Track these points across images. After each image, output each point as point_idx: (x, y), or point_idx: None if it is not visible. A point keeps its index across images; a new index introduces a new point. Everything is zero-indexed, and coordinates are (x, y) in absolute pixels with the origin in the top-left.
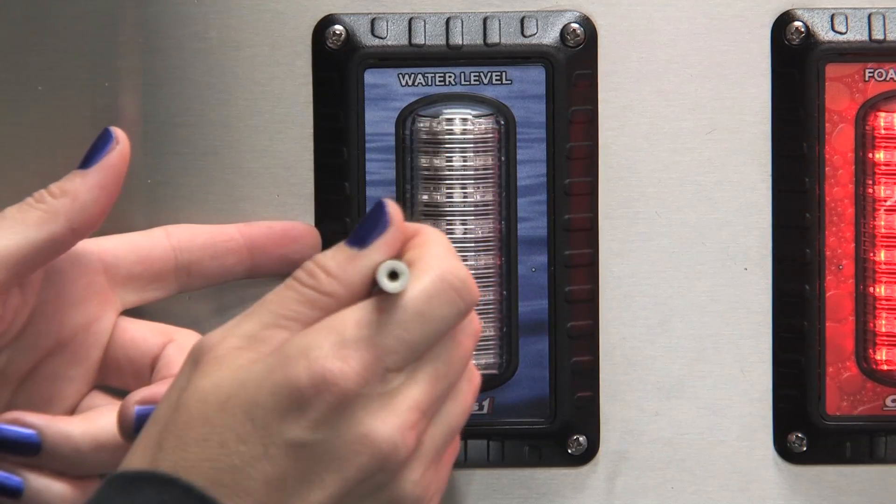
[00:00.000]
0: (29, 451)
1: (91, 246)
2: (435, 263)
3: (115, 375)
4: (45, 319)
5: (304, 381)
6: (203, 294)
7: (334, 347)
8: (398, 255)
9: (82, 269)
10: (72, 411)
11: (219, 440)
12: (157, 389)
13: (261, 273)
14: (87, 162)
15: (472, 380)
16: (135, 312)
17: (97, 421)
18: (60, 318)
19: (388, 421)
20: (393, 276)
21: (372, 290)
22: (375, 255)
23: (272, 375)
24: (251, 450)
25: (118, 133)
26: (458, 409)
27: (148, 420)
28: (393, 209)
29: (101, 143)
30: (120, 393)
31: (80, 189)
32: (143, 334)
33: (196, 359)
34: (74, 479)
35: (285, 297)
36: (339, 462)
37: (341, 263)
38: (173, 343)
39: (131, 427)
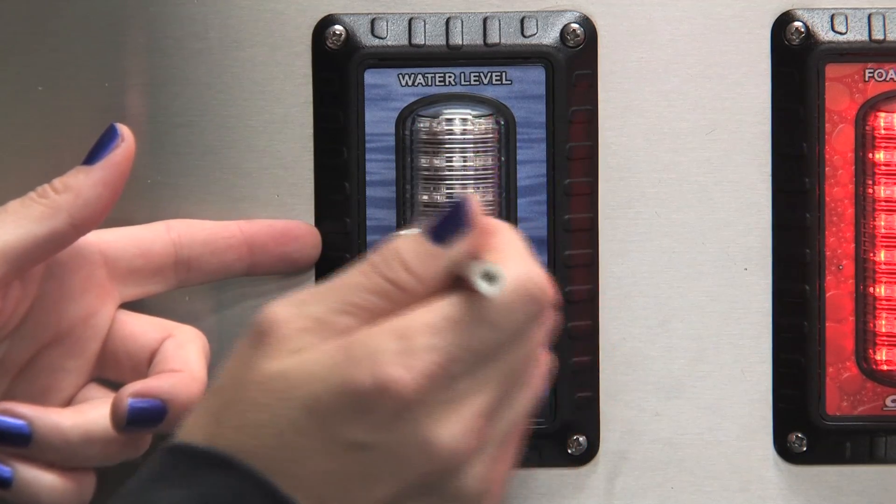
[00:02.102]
0: (19, 441)
1: (91, 238)
2: (514, 271)
3: (113, 368)
4: (44, 311)
5: (367, 386)
6: (202, 290)
7: (400, 354)
8: (476, 256)
9: (82, 261)
10: (68, 403)
11: (277, 428)
12: (153, 383)
13: (260, 271)
14: (91, 158)
15: (539, 366)
16: (134, 307)
17: (88, 413)
18: (60, 309)
19: (451, 427)
20: (487, 277)
21: (447, 287)
22: (456, 254)
23: (335, 373)
24: (309, 443)
25: (123, 130)
26: (523, 399)
27: (210, 388)
28: (474, 207)
29: (107, 140)
30: (117, 386)
31: (83, 185)
32: (142, 328)
33: (261, 332)
34: (65, 471)
35: (358, 285)
36: (398, 465)
37: (422, 259)
38: (172, 338)
39: (124, 420)
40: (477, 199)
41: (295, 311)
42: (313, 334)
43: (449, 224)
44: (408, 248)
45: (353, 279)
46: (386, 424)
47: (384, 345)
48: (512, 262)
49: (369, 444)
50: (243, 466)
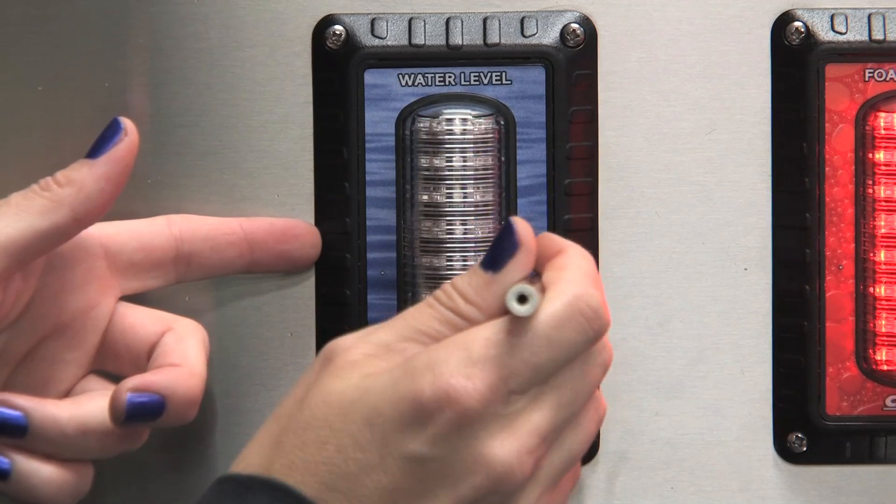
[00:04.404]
0: (16, 432)
1: (93, 231)
2: (569, 288)
3: (113, 361)
4: (45, 303)
5: (427, 396)
6: (201, 287)
7: (461, 364)
8: (537, 273)
9: (83, 253)
10: (67, 394)
11: (337, 445)
12: (152, 377)
13: (259, 268)
14: (94, 152)
15: (598, 409)
16: (134, 301)
17: (85, 406)
18: (60, 301)
19: (507, 443)
20: (522, 299)
21: (506, 311)
22: (509, 278)
23: (397, 386)
24: (368, 458)
25: (127, 124)
26: (579, 437)
27: (271, 415)
28: (521, 229)
29: (110, 134)
30: (116, 378)
31: (86, 179)
32: (142, 321)
33: (327, 358)
34: (63, 463)
35: (424, 314)
36: (454, 479)
37: (477, 289)
38: (171, 331)
39: (122, 413)
40: (523, 221)
41: (361, 339)
42: (380, 359)
43: (498, 250)
44: (464, 279)
45: (419, 310)
46: (444, 437)
47: (444, 357)
48: (568, 279)
49: (427, 458)
50: (294, 492)
